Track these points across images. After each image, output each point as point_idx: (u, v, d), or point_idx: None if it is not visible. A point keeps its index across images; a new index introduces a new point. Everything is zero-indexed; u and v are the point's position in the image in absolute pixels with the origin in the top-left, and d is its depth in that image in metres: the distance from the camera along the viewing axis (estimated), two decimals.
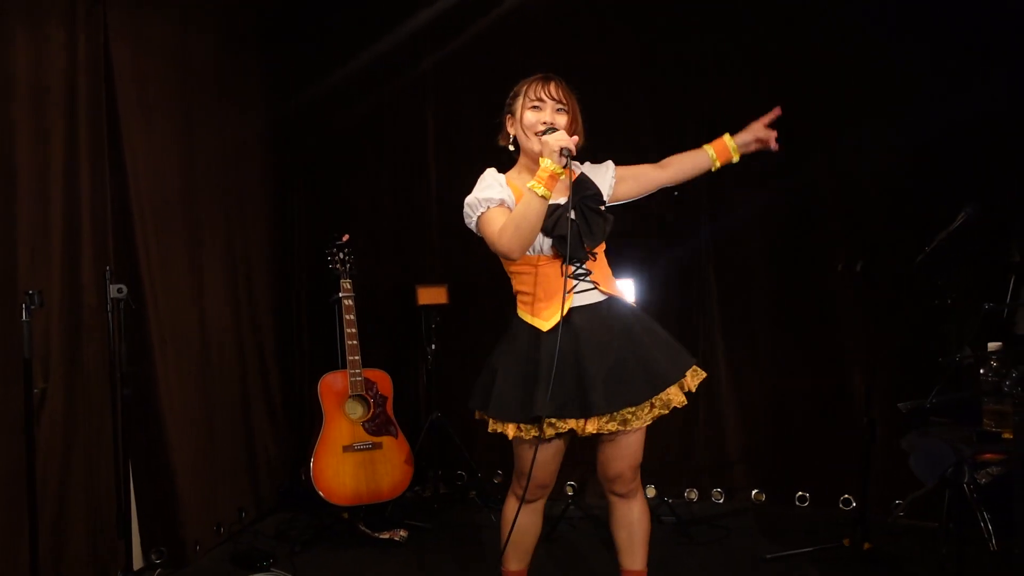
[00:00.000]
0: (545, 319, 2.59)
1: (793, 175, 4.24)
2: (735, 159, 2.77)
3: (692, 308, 4.41)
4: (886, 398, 3.79)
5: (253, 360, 4.38)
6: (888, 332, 3.87)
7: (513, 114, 2.69)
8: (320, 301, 4.48)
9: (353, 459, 3.95)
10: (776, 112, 2.77)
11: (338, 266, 4.11)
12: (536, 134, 2.58)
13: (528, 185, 2.49)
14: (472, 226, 2.64)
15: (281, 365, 4.62)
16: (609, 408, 2.53)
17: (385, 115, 4.73)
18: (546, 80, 2.65)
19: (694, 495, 4.42)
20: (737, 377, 4.39)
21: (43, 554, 3.02)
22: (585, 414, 2.53)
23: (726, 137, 2.76)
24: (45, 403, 3.14)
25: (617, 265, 2.81)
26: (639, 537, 2.75)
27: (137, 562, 3.54)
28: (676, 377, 2.61)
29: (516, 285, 2.70)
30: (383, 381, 4.13)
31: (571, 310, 2.60)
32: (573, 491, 4.41)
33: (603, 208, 2.68)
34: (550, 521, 3.87)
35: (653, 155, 2.83)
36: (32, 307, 2.88)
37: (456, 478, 4.66)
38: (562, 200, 2.56)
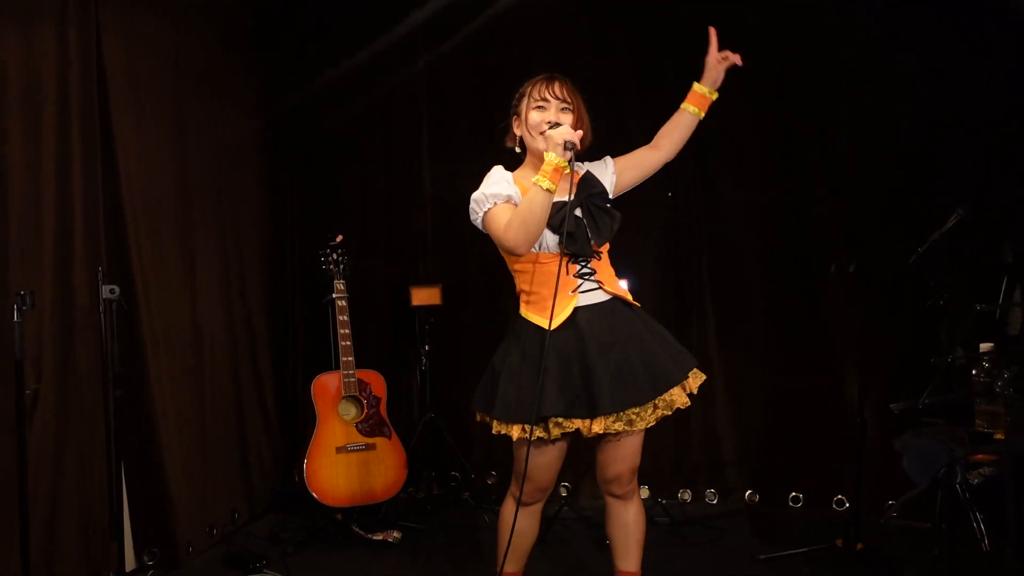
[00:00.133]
0: (550, 318, 2.59)
1: (787, 176, 4.25)
2: (714, 97, 2.75)
3: (686, 309, 4.41)
4: (879, 399, 3.79)
5: (246, 361, 4.37)
6: (881, 333, 3.88)
7: (519, 115, 2.69)
8: (314, 302, 4.48)
9: (347, 460, 3.94)
10: (713, 34, 2.74)
11: (332, 267, 4.11)
12: (541, 133, 2.59)
13: (533, 179, 2.49)
14: (478, 223, 2.62)
15: (274, 366, 4.61)
16: (615, 408, 2.52)
17: (379, 115, 4.72)
18: (550, 79, 2.65)
19: (688, 496, 4.43)
20: (731, 378, 4.40)
21: (35, 555, 3.01)
22: (592, 414, 2.53)
23: (696, 86, 2.74)
24: (37, 404, 3.13)
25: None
26: (634, 538, 2.75)
27: (129, 563, 3.53)
28: (680, 378, 2.62)
29: (519, 284, 2.70)
30: (377, 382, 4.12)
31: (576, 309, 2.59)
32: (567, 492, 4.40)
33: (610, 206, 2.68)
34: (544, 522, 3.86)
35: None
36: (24, 308, 2.88)
37: (450, 479, 4.65)
38: (567, 197, 2.56)
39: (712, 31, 2.73)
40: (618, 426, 2.56)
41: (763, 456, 4.37)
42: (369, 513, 4.04)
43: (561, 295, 2.56)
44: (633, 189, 2.81)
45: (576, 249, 2.58)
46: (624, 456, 2.67)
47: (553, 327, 2.57)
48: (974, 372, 2.99)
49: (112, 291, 3.17)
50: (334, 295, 4.08)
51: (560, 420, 2.54)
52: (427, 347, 4.48)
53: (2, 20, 3.06)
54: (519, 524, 2.72)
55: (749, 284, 4.36)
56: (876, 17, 4.00)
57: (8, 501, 2.95)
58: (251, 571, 3.62)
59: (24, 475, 2.91)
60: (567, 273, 2.58)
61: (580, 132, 2.55)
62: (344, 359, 4.00)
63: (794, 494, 4.29)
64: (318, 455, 3.90)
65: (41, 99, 3.21)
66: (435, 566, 3.71)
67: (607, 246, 2.71)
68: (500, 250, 2.63)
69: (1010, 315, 3.43)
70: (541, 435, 2.56)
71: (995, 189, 3.81)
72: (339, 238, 4.16)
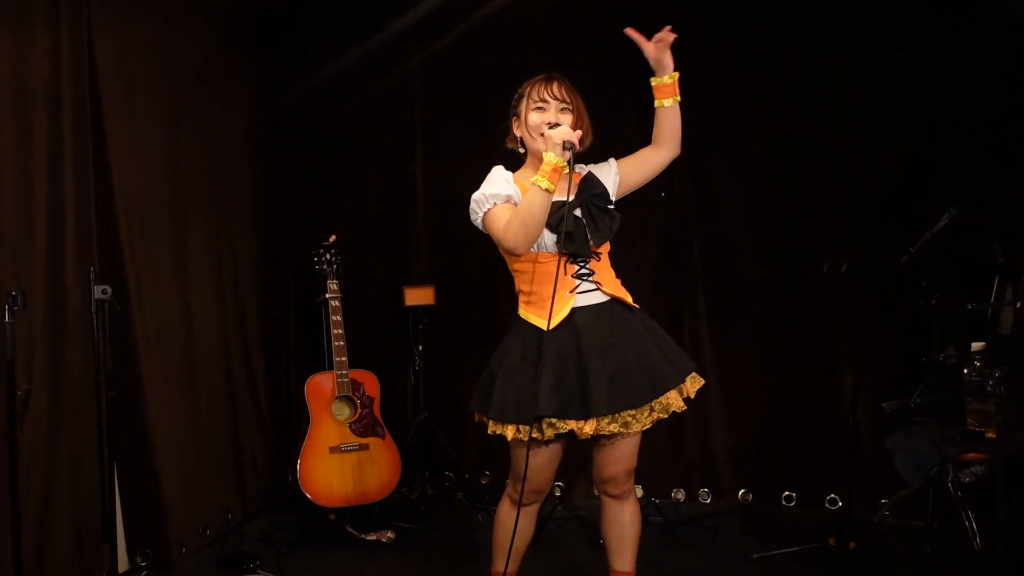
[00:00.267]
0: (547, 318, 2.59)
1: (783, 175, 4.26)
2: (676, 77, 2.65)
3: (679, 308, 4.41)
4: (872, 398, 3.80)
5: (239, 361, 4.36)
6: (874, 332, 3.88)
7: (518, 116, 2.70)
8: (307, 302, 4.47)
9: (340, 460, 3.94)
10: (631, 33, 2.69)
11: (325, 267, 4.11)
12: (541, 134, 2.59)
13: (532, 179, 2.49)
14: (478, 223, 2.63)
15: (267, 366, 4.60)
16: (610, 409, 2.52)
17: (373, 114, 4.71)
18: (549, 80, 2.66)
19: (681, 495, 4.43)
20: (724, 377, 4.40)
21: (27, 556, 3.00)
22: (585, 415, 2.53)
23: (653, 81, 2.67)
24: (29, 405, 3.12)
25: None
26: (630, 538, 2.76)
27: (122, 564, 3.52)
28: (677, 382, 2.62)
29: (518, 284, 2.70)
30: (370, 382, 4.12)
31: (574, 310, 2.60)
32: (561, 492, 4.40)
33: (610, 207, 2.68)
34: (538, 522, 3.86)
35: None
36: (15, 308, 2.87)
37: (444, 479, 4.65)
38: (566, 197, 2.56)
39: (628, 31, 2.67)
40: (612, 428, 2.56)
41: (756, 455, 4.37)
42: (363, 513, 4.03)
43: (559, 295, 2.56)
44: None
45: (574, 249, 2.58)
46: (620, 457, 2.68)
47: (550, 327, 2.57)
48: (966, 371, 3.00)
49: (104, 291, 3.16)
50: (327, 295, 4.08)
51: (553, 421, 2.54)
52: (421, 347, 4.48)
53: None
54: (513, 524, 2.72)
55: (743, 284, 4.36)
56: (873, 17, 4.01)
57: (0, 502, 2.94)
58: (245, 572, 3.61)
59: (16, 476, 2.89)
60: (565, 273, 2.58)
61: (579, 132, 2.55)
62: (337, 359, 4.00)
63: (787, 493, 4.30)
64: (312, 455, 3.90)
65: (33, 99, 3.20)
66: (429, 566, 3.71)
67: (607, 247, 2.71)
68: (500, 250, 2.63)
69: (1001, 315, 3.45)
70: (535, 436, 2.56)
71: (988, 189, 3.82)
72: (332, 238, 4.16)
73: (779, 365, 4.31)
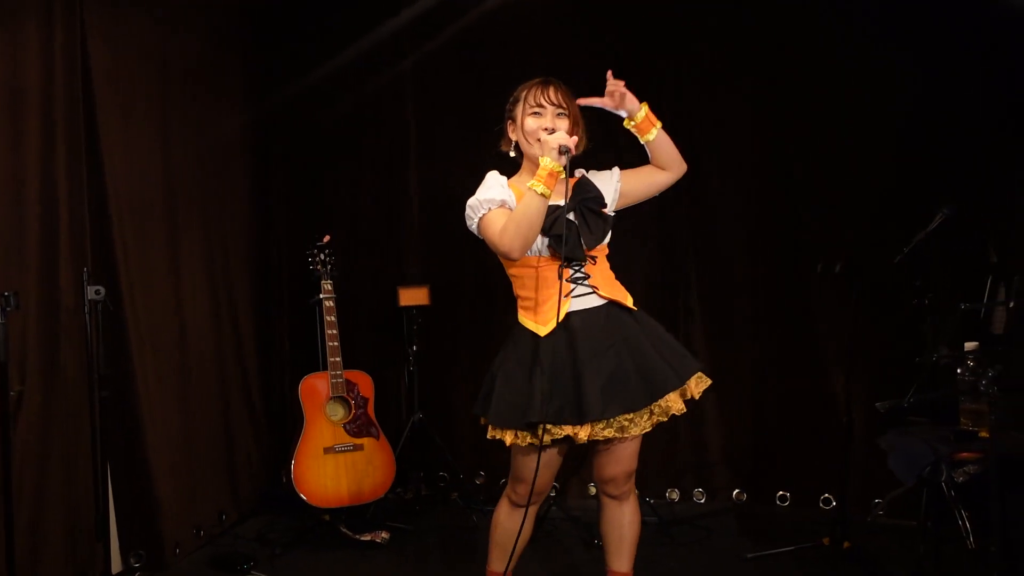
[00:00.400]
0: (543, 323, 2.59)
1: (780, 175, 4.26)
2: (645, 109, 2.63)
3: (674, 308, 4.41)
4: (866, 398, 3.81)
5: (233, 361, 4.36)
6: (868, 332, 3.90)
7: (514, 120, 2.69)
8: (301, 302, 4.46)
9: (334, 461, 3.93)
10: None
11: (319, 267, 4.10)
12: (538, 140, 2.58)
13: (528, 184, 2.49)
14: (474, 228, 2.63)
15: (261, 366, 4.59)
16: (604, 415, 2.52)
17: (367, 114, 4.71)
18: (545, 84, 2.64)
19: (676, 495, 4.44)
20: (719, 378, 4.34)
21: (20, 557, 2.99)
22: (580, 420, 2.52)
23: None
24: (22, 405, 3.11)
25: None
26: (628, 539, 2.76)
27: (116, 565, 3.51)
28: (675, 385, 2.60)
29: (516, 289, 2.70)
30: (364, 382, 4.11)
31: (569, 314, 2.59)
32: (555, 492, 4.40)
33: (604, 210, 2.67)
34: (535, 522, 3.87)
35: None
36: (8, 309, 2.86)
37: (438, 480, 4.65)
38: (562, 201, 2.56)
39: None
40: (608, 433, 2.56)
41: (750, 456, 4.38)
42: (357, 514, 4.03)
43: (555, 299, 2.56)
44: None
45: (568, 253, 2.57)
46: (619, 460, 2.68)
47: (546, 332, 2.57)
48: (959, 371, 3.01)
49: (97, 292, 3.15)
50: (321, 295, 4.07)
51: (550, 427, 2.53)
52: (415, 347, 4.47)
53: None
54: (512, 525, 2.74)
55: (738, 284, 4.36)
56: (872, 17, 4.01)
57: None
58: (238, 572, 3.60)
59: (9, 477, 2.89)
60: (560, 277, 2.58)
61: (576, 137, 2.55)
62: (332, 360, 4.00)
63: (781, 493, 4.30)
64: (306, 456, 3.89)
65: (25, 99, 3.19)
66: (423, 566, 3.71)
67: (605, 250, 2.71)
68: (497, 255, 2.63)
69: (994, 314, 3.45)
70: (533, 441, 2.56)
71: (982, 189, 3.82)
72: (326, 238, 4.15)
73: (773, 365, 4.32)
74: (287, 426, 4.47)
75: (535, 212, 2.48)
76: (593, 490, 4.43)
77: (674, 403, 2.60)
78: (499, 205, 2.57)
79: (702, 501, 4.41)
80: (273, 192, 4.75)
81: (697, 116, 4.33)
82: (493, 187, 2.62)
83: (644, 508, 4.04)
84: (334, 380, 3.99)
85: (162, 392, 3.77)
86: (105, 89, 3.50)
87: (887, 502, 3.83)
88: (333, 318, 4.04)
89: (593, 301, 2.63)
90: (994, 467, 2.58)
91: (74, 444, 3.33)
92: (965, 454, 3.02)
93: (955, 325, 3.17)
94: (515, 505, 2.74)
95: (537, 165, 2.53)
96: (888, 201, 4.03)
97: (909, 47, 3.94)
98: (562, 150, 2.48)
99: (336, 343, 4.01)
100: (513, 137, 2.70)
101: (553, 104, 2.62)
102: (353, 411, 4.04)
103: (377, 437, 4.05)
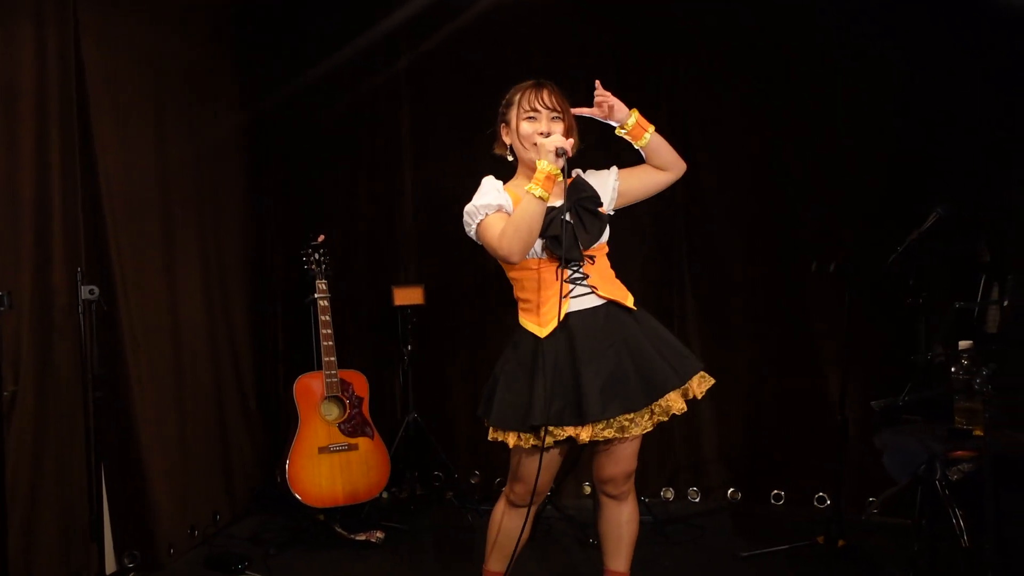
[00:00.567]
0: (542, 325, 2.59)
1: (777, 175, 4.26)
2: (635, 115, 2.63)
3: (668, 307, 4.41)
4: (860, 396, 3.82)
5: (227, 361, 4.35)
6: (862, 331, 3.90)
7: (508, 124, 2.68)
8: (295, 302, 4.46)
9: (329, 461, 3.93)
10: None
11: (313, 267, 4.09)
12: (534, 144, 2.58)
13: (526, 188, 2.49)
14: (472, 234, 2.63)
15: (256, 366, 4.58)
16: (604, 415, 2.52)
17: (362, 114, 4.70)
18: (538, 87, 2.64)
19: (670, 494, 4.44)
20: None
21: (14, 557, 2.99)
22: (581, 421, 2.52)
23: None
24: (16, 406, 3.10)
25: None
26: (626, 539, 2.76)
27: (110, 566, 3.50)
28: (675, 384, 2.60)
29: (516, 291, 2.70)
30: (359, 382, 4.11)
31: (568, 315, 2.59)
32: (550, 491, 4.40)
33: (601, 210, 2.67)
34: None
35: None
36: (1, 309, 2.85)
37: (433, 479, 4.64)
38: (559, 203, 2.56)
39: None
40: (608, 433, 2.56)
41: (745, 454, 4.39)
42: (352, 513, 4.03)
43: (553, 300, 2.56)
44: None
45: (565, 253, 2.57)
46: (618, 460, 2.68)
47: (546, 333, 2.57)
48: (953, 369, 3.01)
49: (92, 291, 3.14)
50: (316, 295, 4.07)
51: (552, 428, 2.53)
52: (409, 347, 4.47)
53: None
54: (510, 525, 2.75)
55: (733, 283, 4.37)
56: (870, 16, 4.02)
57: None
58: (233, 572, 3.60)
59: (3, 477, 2.88)
60: (558, 278, 2.57)
61: (572, 140, 2.54)
62: (326, 359, 3.99)
63: (776, 492, 4.31)
64: (300, 455, 3.89)
65: (19, 99, 3.17)
66: (418, 566, 3.71)
67: (604, 249, 2.71)
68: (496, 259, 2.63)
69: (988, 313, 3.46)
70: (536, 443, 2.56)
71: (976, 188, 3.83)
72: (321, 238, 4.15)
73: (768, 364, 4.33)
74: (281, 426, 4.47)
75: (533, 216, 2.48)
76: (588, 489, 4.44)
77: (675, 403, 2.60)
78: (496, 210, 2.57)
79: (697, 500, 4.41)
80: (267, 192, 4.74)
81: (694, 115, 4.33)
82: (489, 192, 2.61)
83: (639, 507, 4.07)
84: (329, 380, 3.99)
85: (156, 392, 3.76)
86: (99, 88, 3.49)
87: (881, 501, 3.84)
88: (328, 317, 4.03)
89: (592, 301, 2.63)
90: (988, 465, 2.58)
91: (68, 444, 3.32)
92: (959, 452, 3.02)
93: (949, 324, 3.17)
94: (513, 505, 2.74)
95: (533, 169, 2.53)
96: (885, 200, 4.04)
97: (906, 46, 3.95)
98: (559, 153, 2.48)
99: (331, 342, 4.01)
100: (508, 141, 2.70)
101: (547, 107, 2.62)
102: (348, 411, 4.03)
103: (372, 437, 4.05)
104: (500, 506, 2.79)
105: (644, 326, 2.67)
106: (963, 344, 3.07)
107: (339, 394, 4.01)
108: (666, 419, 2.61)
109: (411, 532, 4.07)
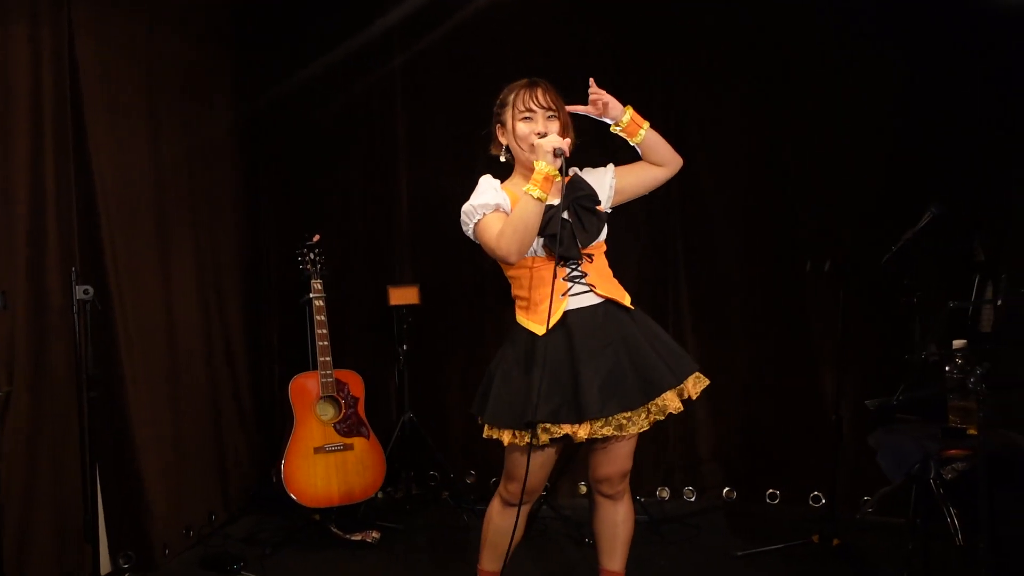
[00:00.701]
0: (540, 323, 2.59)
1: (774, 174, 4.26)
2: (630, 112, 2.64)
3: (662, 305, 4.41)
4: (855, 396, 3.82)
5: (222, 361, 4.34)
6: (857, 330, 3.91)
7: (503, 124, 2.68)
8: (290, 302, 4.45)
9: (324, 460, 3.92)
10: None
11: (309, 266, 4.09)
12: (531, 144, 2.58)
13: (524, 188, 2.49)
14: (470, 233, 2.63)
15: (251, 366, 4.58)
16: (603, 413, 2.52)
17: (357, 113, 4.69)
18: (532, 87, 2.64)
19: (666, 493, 4.45)
20: (709, 375, 4.37)
21: (8, 558, 2.98)
22: (579, 419, 2.52)
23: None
24: (10, 406, 3.10)
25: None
26: (621, 539, 2.77)
27: (105, 566, 3.50)
28: (672, 384, 2.61)
29: (514, 289, 2.70)
30: (354, 382, 4.10)
31: (566, 313, 2.60)
32: (546, 490, 4.40)
33: (598, 208, 2.67)
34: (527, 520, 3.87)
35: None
36: None
37: (429, 479, 4.64)
38: (557, 201, 2.56)
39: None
40: (606, 431, 2.56)
41: (740, 453, 4.39)
42: (347, 513, 4.02)
43: (552, 299, 2.56)
44: None
45: (563, 252, 2.57)
46: (615, 459, 2.68)
47: (544, 331, 2.57)
48: (947, 369, 3.01)
49: (86, 292, 3.14)
50: (311, 295, 4.06)
51: (548, 426, 2.54)
52: (405, 347, 4.46)
53: None
54: (504, 523, 2.75)
55: (726, 282, 4.37)
56: (869, 16, 4.02)
57: None
58: (228, 573, 3.60)
59: None
60: (557, 276, 2.58)
61: (569, 140, 2.54)
62: (321, 359, 3.99)
63: (771, 491, 4.32)
64: (296, 456, 3.88)
65: (13, 98, 3.17)
66: (414, 566, 3.71)
67: (602, 248, 2.71)
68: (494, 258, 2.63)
69: (982, 312, 3.47)
70: (530, 440, 2.55)
71: (972, 187, 3.84)
72: (316, 237, 4.14)
73: (763, 363, 4.33)
74: (277, 426, 4.46)
75: (532, 217, 2.48)
76: (583, 489, 4.44)
77: (671, 402, 2.61)
78: (494, 209, 2.57)
79: (692, 499, 4.42)
80: (262, 191, 4.73)
81: (693, 114, 4.33)
82: (487, 192, 2.61)
83: (635, 506, 4.07)
84: (324, 380, 3.98)
85: (151, 392, 3.75)
86: (93, 88, 3.48)
87: (876, 499, 3.85)
88: (323, 317, 4.03)
89: (590, 299, 2.63)
90: (982, 464, 2.59)
91: (63, 444, 3.31)
92: (953, 451, 3.03)
93: (943, 323, 3.18)
94: (507, 504, 2.75)
95: (530, 169, 2.53)
96: (884, 200, 4.04)
97: (905, 46, 3.95)
98: (556, 153, 2.48)
99: (326, 342, 4.00)
100: (503, 141, 2.70)
101: (543, 107, 2.62)
102: (343, 411, 4.03)
103: (367, 437, 4.05)
104: (494, 505, 2.79)
105: (641, 325, 2.68)
106: (957, 343, 3.07)
107: (335, 394, 4.01)
108: (663, 418, 2.62)
109: (407, 532, 4.07)
